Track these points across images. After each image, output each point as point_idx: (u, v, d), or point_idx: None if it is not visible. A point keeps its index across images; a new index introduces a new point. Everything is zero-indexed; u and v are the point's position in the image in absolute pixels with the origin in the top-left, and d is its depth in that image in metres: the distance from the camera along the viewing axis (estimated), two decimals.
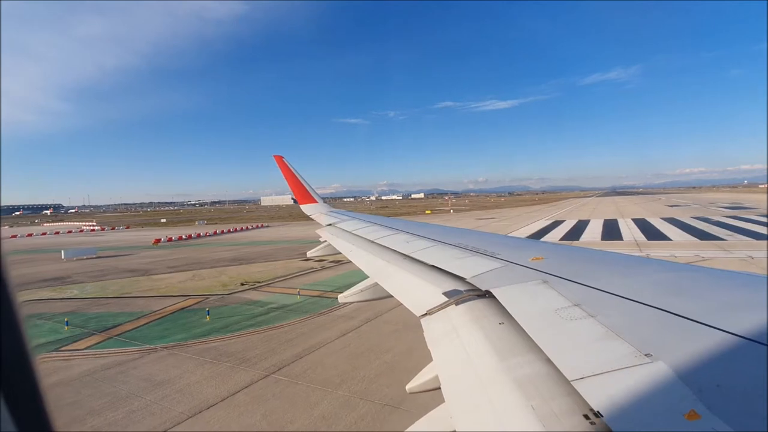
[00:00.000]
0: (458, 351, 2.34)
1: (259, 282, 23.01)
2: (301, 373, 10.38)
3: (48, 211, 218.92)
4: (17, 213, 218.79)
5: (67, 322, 15.61)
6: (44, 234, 67.55)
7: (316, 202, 13.33)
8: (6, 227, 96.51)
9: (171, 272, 27.43)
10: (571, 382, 1.65)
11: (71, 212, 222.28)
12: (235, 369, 10.80)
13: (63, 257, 35.45)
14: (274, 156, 13.53)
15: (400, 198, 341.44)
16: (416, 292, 3.65)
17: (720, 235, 32.00)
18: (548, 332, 2.15)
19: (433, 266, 4.06)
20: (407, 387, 2.69)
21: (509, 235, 39.85)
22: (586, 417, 1.51)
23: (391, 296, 4.00)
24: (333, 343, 12.54)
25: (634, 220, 48.64)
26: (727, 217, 46.95)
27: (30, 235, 66.24)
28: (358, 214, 10.36)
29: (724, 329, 1.84)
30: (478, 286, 3.13)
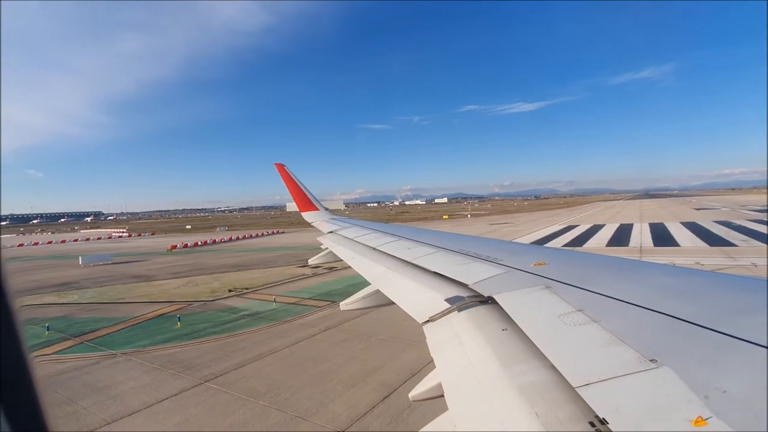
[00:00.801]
0: (461, 358, 2.34)
1: (247, 288, 23.52)
2: (234, 382, 10.55)
3: (89, 218, 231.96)
4: (62, 220, 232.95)
5: (48, 327, 16.37)
6: (76, 240, 71.53)
7: (318, 209, 13.51)
8: (48, 233, 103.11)
9: (171, 278, 28.46)
10: (576, 389, 1.62)
11: (110, 219, 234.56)
12: (176, 376, 11.11)
13: (81, 263, 37.35)
14: (275, 164, 13.83)
15: (423, 203, 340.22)
16: (418, 298, 3.65)
17: (734, 241, 30.09)
18: (552, 338, 2.14)
19: (435, 273, 4.05)
20: (410, 395, 2.65)
21: (514, 240, 39.10)
22: (592, 424, 1.50)
23: (393, 303, 3.98)
24: (281, 352, 12.67)
25: (650, 224, 46.45)
26: (751, 221, 44.02)
27: (63, 241, 70.41)
28: (359, 221, 10.41)
29: (729, 334, 1.81)
30: (481, 292, 3.13)
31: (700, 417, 1.31)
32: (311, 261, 8.61)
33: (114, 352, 13.45)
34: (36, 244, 67.09)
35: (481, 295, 3.08)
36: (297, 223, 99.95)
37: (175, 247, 49.81)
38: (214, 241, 56.26)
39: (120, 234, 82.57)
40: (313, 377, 10.60)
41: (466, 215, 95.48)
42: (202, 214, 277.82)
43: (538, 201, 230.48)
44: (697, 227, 41.04)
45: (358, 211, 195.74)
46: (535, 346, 2.09)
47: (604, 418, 1.44)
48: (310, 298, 20.17)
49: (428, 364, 9.39)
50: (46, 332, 15.95)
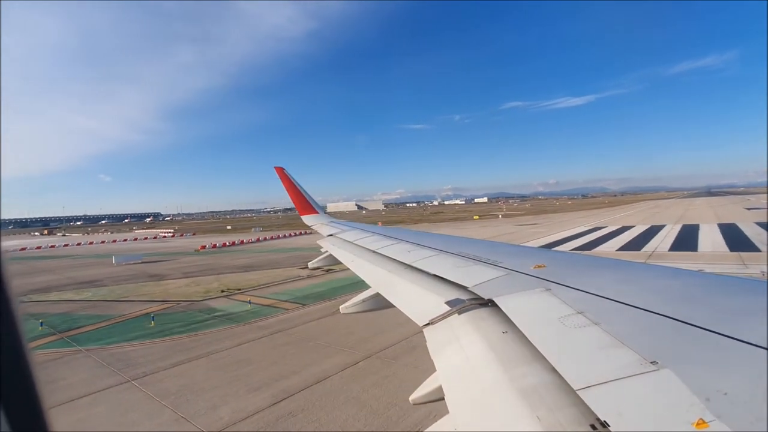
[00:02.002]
0: (462, 361, 2.37)
1: (239, 290, 24.50)
2: (156, 381, 11.11)
3: (148, 219, 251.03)
4: (126, 220, 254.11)
5: (42, 323, 18.00)
6: (125, 240, 77.81)
7: (317, 213, 14.12)
8: (109, 233, 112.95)
9: (180, 278, 30.21)
10: (577, 392, 1.64)
11: (167, 219, 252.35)
12: (112, 374, 11.87)
13: (114, 262, 40.60)
14: (275, 168, 14.47)
15: (463, 202, 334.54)
16: (418, 301, 3.70)
17: (760, 246, 27.40)
18: (552, 341, 2.16)
19: (435, 275, 4.09)
20: (411, 398, 2.69)
21: (532, 241, 37.64)
22: (593, 427, 1.52)
23: (393, 306, 4.04)
24: (219, 353, 13.16)
25: (684, 226, 42.94)
26: None
27: (114, 241, 76.85)
28: (359, 225, 10.56)
29: (730, 336, 1.81)
30: (481, 294, 3.16)
31: (702, 419, 1.31)
32: (310, 264, 8.81)
33: (80, 348, 14.61)
34: (79, 244, 73.18)
35: (482, 298, 3.11)
36: None
37: (204, 247, 52.64)
38: (242, 242, 58.81)
39: (165, 234, 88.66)
40: (227, 380, 10.98)
41: (497, 216, 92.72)
42: (249, 215, 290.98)
43: (583, 200, 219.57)
44: (731, 230, 37.71)
45: (395, 212, 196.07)
46: (536, 349, 2.11)
47: (605, 421, 1.45)
48: (286, 300, 20.71)
49: (341, 371, 9.69)
50: (40, 328, 17.60)
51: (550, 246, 34.29)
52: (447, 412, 1.98)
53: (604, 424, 1.44)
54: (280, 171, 14.31)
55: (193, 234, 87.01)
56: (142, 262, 41.29)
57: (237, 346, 13.84)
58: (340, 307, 5.04)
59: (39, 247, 65.93)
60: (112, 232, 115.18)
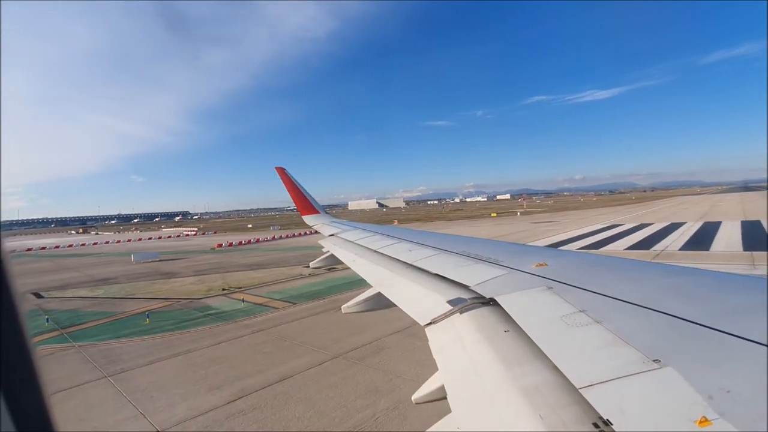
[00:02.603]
0: (463, 360, 2.39)
1: (240, 288, 25.07)
2: (130, 378, 11.51)
3: (177, 218, 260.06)
4: (156, 219, 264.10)
5: (48, 319, 19.04)
6: (150, 238, 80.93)
7: (318, 212, 14.16)
8: (138, 231, 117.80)
9: (190, 276, 31.14)
10: (579, 390, 1.65)
11: (194, 218, 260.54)
12: (92, 370, 12.29)
13: (132, 260, 42.29)
14: (276, 168, 14.60)
15: (484, 199, 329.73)
16: (420, 300, 3.73)
17: None
18: (554, 339, 2.17)
19: (436, 274, 4.12)
20: (413, 397, 2.71)
21: (542, 239, 36.86)
22: (596, 425, 1.52)
23: (395, 305, 4.08)
24: (198, 351, 13.52)
25: (705, 223, 41.00)
26: None
27: (140, 239, 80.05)
28: (360, 224, 10.71)
29: (732, 333, 1.82)
30: (482, 293, 3.19)
31: (704, 417, 1.32)
32: (312, 264, 8.89)
33: (74, 344, 15.34)
34: (107, 242, 76.15)
35: (483, 297, 3.13)
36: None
37: (220, 245, 54.05)
38: (258, 240, 59.99)
39: (188, 233, 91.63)
40: (195, 378, 11.32)
41: (516, 213, 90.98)
42: (272, 213, 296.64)
43: (610, 196, 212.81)
44: (754, 227, 35.92)
45: (414, 209, 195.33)
46: (538, 348, 2.12)
47: (608, 419, 1.45)
48: (280, 299, 21.09)
49: (305, 371, 9.89)
50: (46, 324, 18.62)
51: (557, 245, 33.45)
52: (448, 411, 1.98)
53: (607, 423, 1.43)
54: (281, 171, 14.45)
55: (214, 232, 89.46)
56: (159, 261, 42.72)
57: (216, 344, 14.24)
58: (342, 306, 5.04)
59: (57, 247, 68.65)
60: (141, 231, 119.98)
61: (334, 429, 8.27)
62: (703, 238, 31.29)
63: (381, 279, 4.92)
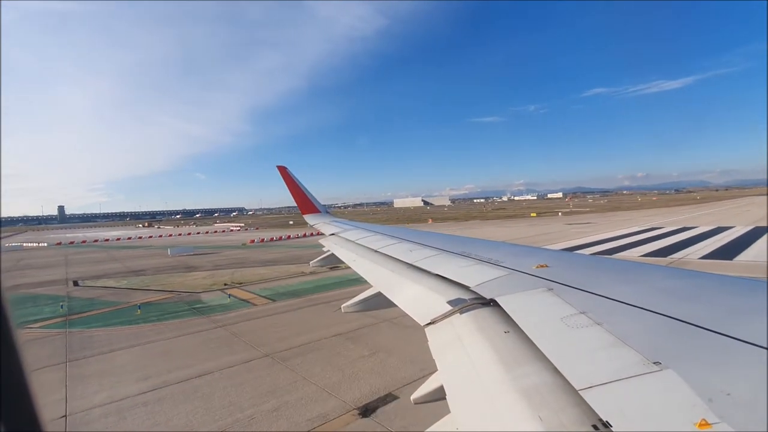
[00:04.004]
0: (463, 360, 2.37)
1: (240, 284, 26.28)
2: (84, 365, 12.56)
3: (233, 214, 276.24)
4: (215, 214, 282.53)
5: (62, 305, 21.25)
6: (198, 233, 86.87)
7: (319, 211, 14.64)
8: (194, 226, 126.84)
9: (207, 270, 32.84)
10: (579, 392, 1.64)
11: (249, 214, 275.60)
12: (61, 355, 13.51)
13: (169, 254, 45.34)
14: (278, 167, 14.88)
15: (534, 198, 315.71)
16: (420, 301, 3.74)
17: None
18: (554, 341, 2.16)
19: (437, 275, 4.14)
20: (412, 397, 2.72)
21: (571, 242, 35.00)
22: (595, 427, 1.50)
23: (395, 305, 4.09)
24: (154, 344, 14.42)
25: (757, 227, 36.75)
26: None
27: (189, 234, 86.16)
28: (361, 224, 10.91)
29: (733, 336, 1.81)
30: (483, 294, 3.19)
31: (705, 420, 1.31)
32: (312, 263, 9.09)
33: (71, 330, 16.99)
34: (160, 236, 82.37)
35: (483, 298, 3.14)
36: (384, 219, 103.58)
37: (253, 241, 56.51)
38: (288, 237, 62.12)
39: (233, 228, 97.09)
40: (134, 368, 12.21)
41: (557, 213, 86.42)
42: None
43: (672, 196, 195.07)
44: None
45: (458, 208, 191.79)
46: (538, 349, 2.12)
47: (607, 421, 1.44)
48: (264, 296, 21.92)
49: (227, 368, 10.66)
50: (60, 309, 20.92)
51: (573, 249, 31.56)
52: (448, 411, 2.00)
53: (607, 425, 1.43)
54: (283, 170, 14.74)
55: (256, 228, 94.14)
56: (193, 255, 45.12)
57: (177, 337, 15.25)
58: (342, 306, 5.03)
59: (119, 239, 75.58)
60: (197, 225, 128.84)
61: (206, 426, 8.68)
62: (735, 247, 28.11)
63: (381, 279, 4.93)
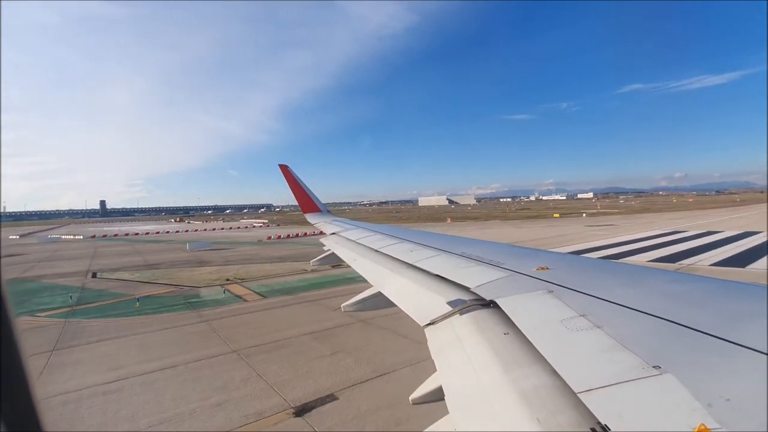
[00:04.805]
0: (462, 361, 2.37)
1: (243, 279, 26.89)
2: (66, 354, 13.22)
3: (262, 210, 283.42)
4: (245, 211, 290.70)
5: (71, 296, 22.48)
6: (222, 228, 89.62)
7: (320, 210, 14.93)
8: (222, 221, 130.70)
9: (216, 266, 33.61)
10: (578, 395, 1.64)
11: (276, 210, 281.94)
12: (50, 344, 14.17)
13: (187, 248, 46.39)
14: (280, 165, 14.90)
15: (563, 198, 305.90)
16: (420, 301, 3.75)
17: None
18: (554, 343, 2.16)
19: (437, 276, 4.15)
20: (410, 397, 2.70)
21: (587, 243, 33.97)
22: (594, 430, 1.50)
23: (394, 305, 4.09)
24: (137, 336, 14.99)
25: None
26: None
27: (214, 229, 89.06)
28: (362, 223, 10.88)
29: (733, 341, 1.81)
30: (483, 295, 3.19)
31: (703, 425, 1.30)
32: (312, 261, 9.13)
33: (71, 320, 17.94)
34: (186, 231, 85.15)
35: (483, 299, 3.15)
36: (405, 218, 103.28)
37: (270, 238, 57.43)
38: (305, 234, 62.91)
39: (255, 224, 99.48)
40: (111, 359, 12.79)
41: (582, 214, 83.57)
42: (346, 208, 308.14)
43: (711, 197, 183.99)
44: None
45: (482, 207, 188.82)
46: (537, 351, 2.12)
47: (606, 425, 1.44)
48: (258, 293, 22.42)
49: (193, 362, 11.33)
50: (69, 299, 22.29)
51: (583, 252, 30.52)
52: (446, 412, 2.00)
53: (605, 428, 1.43)
54: (284, 169, 14.96)
55: (278, 225, 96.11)
56: (209, 249, 45.97)
57: (161, 330, 15.87)
58: (342, 305, 5.04)
59: (147, 233, 78.82)
60: (225, 221, 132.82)
61: (150, 417, 9.05)
62: (755, 253, 26.40)
63: (381, 278, 4.94)
